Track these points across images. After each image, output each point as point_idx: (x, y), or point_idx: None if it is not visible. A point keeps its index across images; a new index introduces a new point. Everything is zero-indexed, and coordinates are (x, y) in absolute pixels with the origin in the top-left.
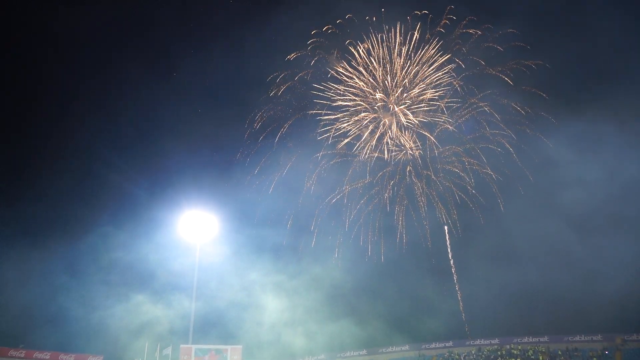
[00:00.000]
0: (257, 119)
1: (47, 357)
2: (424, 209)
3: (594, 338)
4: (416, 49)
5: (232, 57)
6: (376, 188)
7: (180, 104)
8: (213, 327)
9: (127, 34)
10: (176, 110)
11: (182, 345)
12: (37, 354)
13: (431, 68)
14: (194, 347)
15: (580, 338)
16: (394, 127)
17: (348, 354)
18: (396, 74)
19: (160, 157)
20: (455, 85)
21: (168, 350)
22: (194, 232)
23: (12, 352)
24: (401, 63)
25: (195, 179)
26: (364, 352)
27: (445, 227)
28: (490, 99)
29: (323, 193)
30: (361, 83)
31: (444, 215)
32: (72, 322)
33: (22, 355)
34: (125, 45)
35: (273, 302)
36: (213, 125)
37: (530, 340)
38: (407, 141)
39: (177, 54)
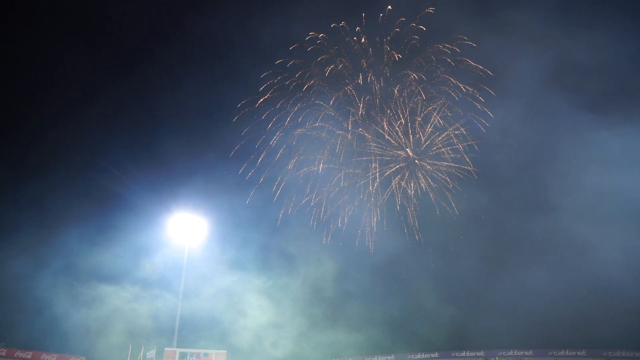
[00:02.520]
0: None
1: (29, 356)
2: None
3: (579, 353)
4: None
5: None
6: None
7: (174, 106)
8: (198, 331)
9: (119, 28)
10: (171, 110)
11: (166, 349)
12: (18, 353)
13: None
14: (178, 350)
15: (565, 353)
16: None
17: None
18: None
19: (151, 158)
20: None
21: (152, 354)
22: (183, 234)
23: None
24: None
25: (186, 181)
26: None
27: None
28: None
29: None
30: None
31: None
32: (54, 321)
33: (4, 354)
34: (116, 41)
35: (259, 308)
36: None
37: (515, 353)
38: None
39: (167, 56)
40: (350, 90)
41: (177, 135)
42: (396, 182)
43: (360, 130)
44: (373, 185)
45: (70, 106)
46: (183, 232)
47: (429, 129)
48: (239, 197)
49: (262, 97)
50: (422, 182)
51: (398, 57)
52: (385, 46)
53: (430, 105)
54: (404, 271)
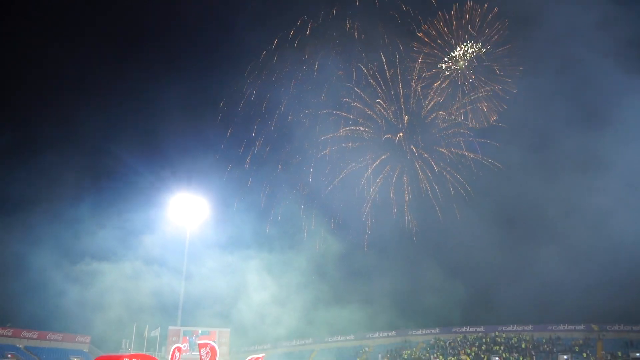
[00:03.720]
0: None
1: (35, 336)
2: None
3: (577, 327)
4: None
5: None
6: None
7: (174, 86)
8: (202, 309)
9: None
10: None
11: (170, 327)
12: (24, 333)
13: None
14: (182, 328)
15: (563, 327)
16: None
17: (335, 338)
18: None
19: (152, 138)
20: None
21: (156, 332)
22: (185, 215)
23: (0, 331)
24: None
25: (188, 161)
26: (352, 337)
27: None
28: None
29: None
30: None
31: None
32: (59, 301)
33: (10, 334)
34: (115, 20)
35: (262, 286)
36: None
37: (515, 328)
38: None
39: (169, 38)
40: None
41: (176, 116)
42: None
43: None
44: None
45: (68, 84)
46: (184, 212)
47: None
48: (240, 174)
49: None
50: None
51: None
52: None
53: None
54: (406, 248)
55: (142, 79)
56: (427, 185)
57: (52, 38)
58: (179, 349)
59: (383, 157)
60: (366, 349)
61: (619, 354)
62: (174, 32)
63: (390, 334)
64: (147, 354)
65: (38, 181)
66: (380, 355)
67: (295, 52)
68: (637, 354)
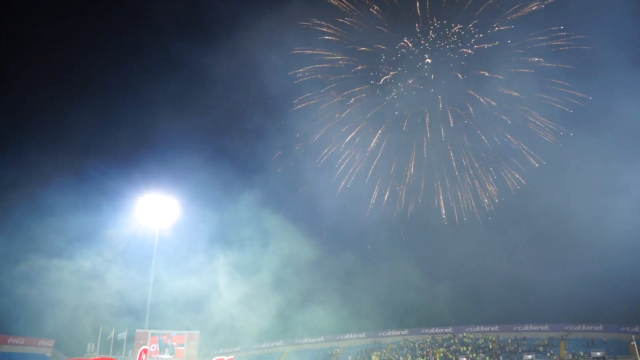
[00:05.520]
0: None
1: None
2: None
3: (542, 328)
4: None
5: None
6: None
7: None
8: (170, 312)
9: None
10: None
11: (137, 330)
12: None
13: None
14: (150, 331)
15: (528, 327)
16: None
17: (306, 340)
18: None
19: (122, 137)
20: None
21: (123, 335)
22: (153, 215)
23: None
24: None
25: (156, 161)
26: (322, 339)
27: None
28: None
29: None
30: None
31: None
32: (21, 304)
33: None
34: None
35: (232, 288)
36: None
37: (482, 329)
38: None
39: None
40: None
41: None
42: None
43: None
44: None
45: (35, 81)
46: (153, 212)
47: None
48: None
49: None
50: None
51: None
52: None
53: None
54: (378, 250)
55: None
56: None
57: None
58: (145, 351)
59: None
60: (336, 350)
61: (581, 353)
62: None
63: (360, 335)
64: (113, 357)
65: (4, 179)
66: (350, 357)
67: None
68: (598, 353)
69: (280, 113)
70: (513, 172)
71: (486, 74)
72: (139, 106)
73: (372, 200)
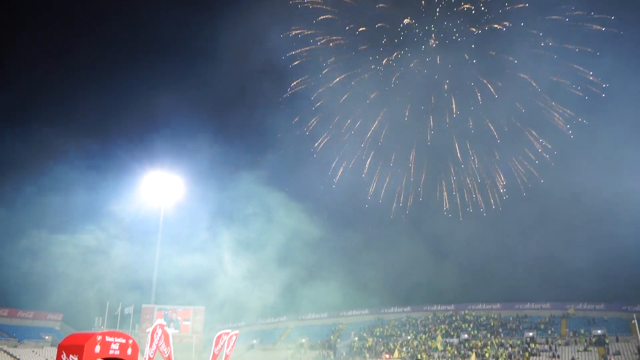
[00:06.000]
0: None
1: (5, 313)
2: None
3: (543, 306)
4: None
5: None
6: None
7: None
8: (176, 287)
9: None
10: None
11: (144, 305)
12: None
13: None
14: (156, 306)
15: (530, 306)
16: None
17: (310, 316)
18: None
19: (127, 114)
20: None
21: (130, 310)
22: (159, 193)
23: None
24: None
25: (162, 139)
26: (325, 315)
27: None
28: None
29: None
30: None
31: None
32: (29, 279)
33: None
34: None
35: (237, 264)
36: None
37: (484, 307)
38: None
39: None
40: None
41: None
42: None
43: None
44: None
45: (42, 58)
46: (159, 190)
47: None
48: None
49: None
50: None
51: None
52: None
53: None
54: (383, 227)
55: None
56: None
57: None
58: (161, 326)
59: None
60: (340, 326)
61: (582, 331)
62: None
63: (363, 312)
64: (121, 331)
65: (12, 155)
66: (353, 333)
67: None
68: (599, 331)
69: (283, 92)
70: (521, 158)
71: (494, 54)
72: (144, 84)
73: (375, 182)
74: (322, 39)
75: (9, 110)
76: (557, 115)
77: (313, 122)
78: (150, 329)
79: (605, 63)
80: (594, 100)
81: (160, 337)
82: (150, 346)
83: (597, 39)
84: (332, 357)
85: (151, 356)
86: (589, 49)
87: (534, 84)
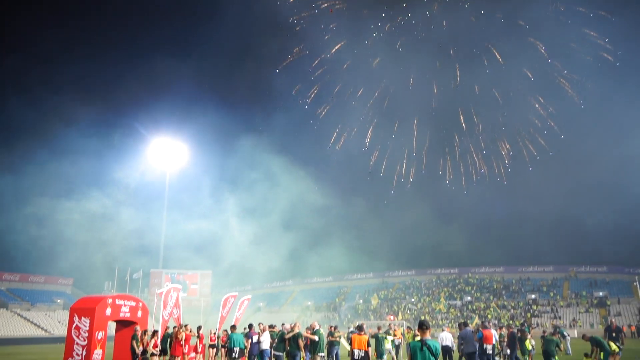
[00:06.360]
0: None
1: (17, 278)
2: None
3: (546, 269)
4: None
5: None
6: None
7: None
8: (184, 253)
9: None
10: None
11: (152, 270)
12: (6, 276)
13: None
14: (164, 271)
15: (533, 269)
16: None
17: (315, 279)
18: None
19: (132, 82)
20: None
21: (139, 274)
22: (164, 159)
23: None
24: None
25: (167, 106)
26: (331, 278)
27: None
28: None
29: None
30: None
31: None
32: (39, 245)
33: None
34: None
35: (242, 229)
36: None
37: (487, 270)
38: None
39: None
40: None
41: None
42: None
43: None
44: None
45: (46, 22)
46: (164, 155)
47: None
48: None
49: None
50: None
51: None
52: None
53: None
54: (390, 192)
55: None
56: None
57: None
58: (176, 289)
59: None
60: (345, 289)
61: (584, 293)
62: None
63: (368, 275)
64: (130, 294)
65: (22, 122)
66: (358, 295)
67: None
68: (601, 293)
69: (288, 55)
70: (530, 129)
71: (502, 20)
72: (147, 51)
73: (377, 150)
74: (324, 4)
75: (16, 76)
76: (564, 81)
77: (314, 89)
78: (164, 292)
79: (619, 28)
80: (606, 66)
81: (175, 301)
82: (165, 308)
83: (612, 1)
84: (337, 319)
85: (166, 318)
86: (603, 12)
87: (543, 51)
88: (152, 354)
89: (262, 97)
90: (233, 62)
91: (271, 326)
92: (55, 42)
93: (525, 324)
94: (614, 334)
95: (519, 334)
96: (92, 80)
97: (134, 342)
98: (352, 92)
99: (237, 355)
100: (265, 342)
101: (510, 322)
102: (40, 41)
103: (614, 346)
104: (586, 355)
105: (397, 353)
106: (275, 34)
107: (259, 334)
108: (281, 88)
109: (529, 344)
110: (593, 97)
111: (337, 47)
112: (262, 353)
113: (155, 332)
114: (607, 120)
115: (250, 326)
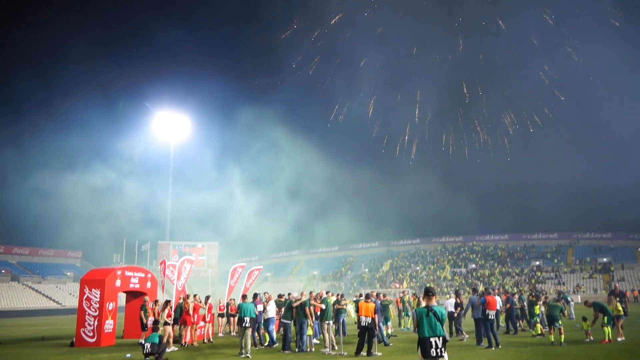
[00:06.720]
0: None
1: (27, 252)
2: None
3: (550, 236)
4: None
5: None
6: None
7: None
8: (190, 224)
9: None
10: None
11: (159, 242)
12: (16, 249)
13: None
14: (171, 243)
15: (537, 236)
16: None
17: (321, 249)
18: None
19: (136, 55)
20: None
21: (146, 247)
22: (168, 131)
23: None
24: None
25: (172, 79)
26: (336, 248)
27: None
28: None
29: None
30: None
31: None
32: (48, 219)
33: (2, 250)
34: None
35: (248, 201)
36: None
37: (492, 238)
38: None
39: None
40: None
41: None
42: None
43: None
44: None
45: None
46: (168, 128)
47: None
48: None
49: None
50: None
51: None
52: None
53: None
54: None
55: None
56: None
57: None
58: (190, 261)
59: None
60: (350, 258)
61: (588, 259)
62: None
63: (373, 244)
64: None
65: (30, 96)
66: (363, 264)
67: None
68: (604, 259)
69: (292, 25)
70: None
71: None
72: (151, 25)
73: (379, 121)
74: None
75: (20, 50)
76: (570, 50)
77: (316, 59)
78: (178, 263)
79: None
80: (612, 33)
81: (189, 272)
82: (179, 279)
83: None
84: (342, 288)
85: (179, 289)
86: None
87: (547, 17)
88: (166, 323)
89: (264, 69)
90: (234, 34)
91: (280, 295)
92: (59, 16)
93: (534, 291)
94: (617, 299)
95: (533, 298)
96: (95, 53)
97: (142, 312)
98: (355, 61)
99: (247, 325)
100: (272, 311)
101: (515, 288)
102: (44, 15)
103: (619, 307)
104: (584, 319)
105: (387, 320)
106: (277, 3)
107: (263, 303)
108: (283, 59)
109: (538, 309)
110: (599, 62)
111: (339, 17)
112: (267, 321)
113: (167, 302)
114: (612, 87)
115: (255, 296)
